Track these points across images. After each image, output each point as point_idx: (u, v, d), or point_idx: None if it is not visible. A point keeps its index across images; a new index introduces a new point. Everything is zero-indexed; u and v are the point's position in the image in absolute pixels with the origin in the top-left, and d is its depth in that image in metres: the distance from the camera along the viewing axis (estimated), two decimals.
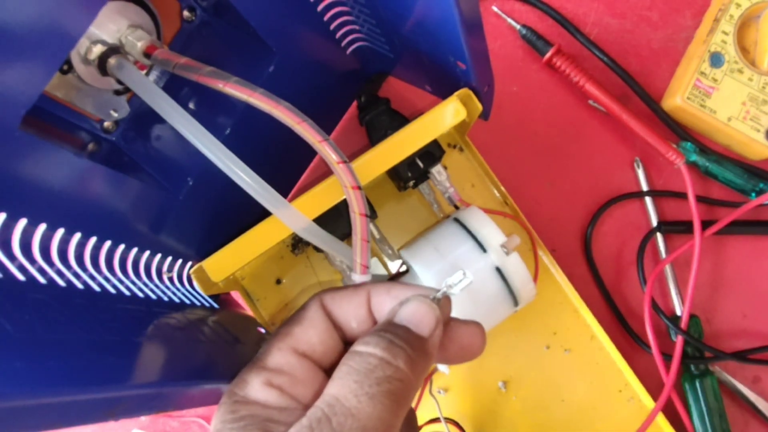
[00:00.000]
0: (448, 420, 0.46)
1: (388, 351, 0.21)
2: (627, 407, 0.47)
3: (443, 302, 0.25)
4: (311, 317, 0.25)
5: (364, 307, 0.25)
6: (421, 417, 0.46)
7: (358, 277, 0.33)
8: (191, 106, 0.37)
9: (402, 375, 0.21)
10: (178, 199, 0.36)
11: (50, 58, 0.24)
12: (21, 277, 0.24)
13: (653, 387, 0.46)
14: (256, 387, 0.23)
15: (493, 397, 0.47)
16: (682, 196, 0.50)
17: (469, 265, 0.40)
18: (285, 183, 0.49)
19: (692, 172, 0.50)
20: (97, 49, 0.31)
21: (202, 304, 0.39)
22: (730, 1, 0.49)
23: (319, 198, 0.38)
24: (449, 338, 0.25)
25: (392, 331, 0.22)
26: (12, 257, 0.25)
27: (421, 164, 0.45)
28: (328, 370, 0.24)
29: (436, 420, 0.46)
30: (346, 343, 0.26)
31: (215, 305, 0.41)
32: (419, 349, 0.22)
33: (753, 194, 0.50)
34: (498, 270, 0.40)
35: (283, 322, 0.26)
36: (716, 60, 0.49)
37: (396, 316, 0.23)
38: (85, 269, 0.29)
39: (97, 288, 0.29)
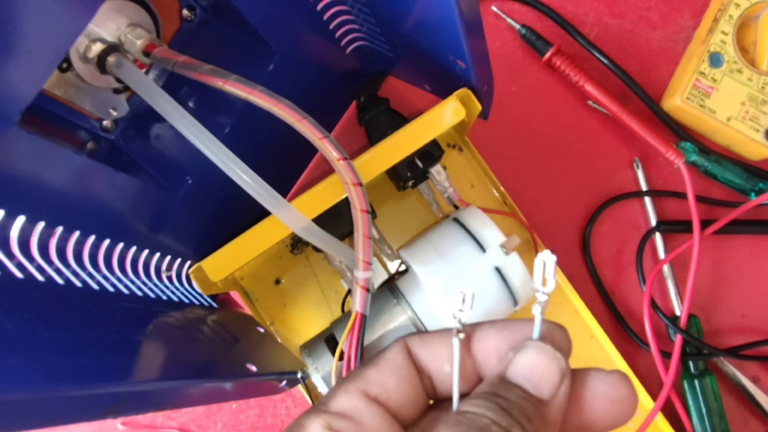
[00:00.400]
0: None
1: (497, 415, 0.17)
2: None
3: (563, 341, 0.20)
4: (390, 359, 0.21)
5: (463, 347, 0.21)
6: None
7: (360, 274, 0.33)
8: (190, 104, 0.37)
9: None
10: (177, 198, 0.36)
11: (49, 56, 0.24)
12: (19, 275, 0.24)
13: (653, 387, 0.46)
14: None
15: None
16: (682, 195, 0.50)
17: (469, 265, 0.40)
18: (284, 182, 0.49)
19: (692, 171, 0.50)
20: (97, 48, 0.31)
21: (201, 304, 0.39)
22: (730, 1, 0.49)
23: (319, 198, 0.37)
24: (579, 396, 0.19)
25: (504, 395, 0.18)
26: (10, 255, 0.25)
27: (420, 164, 0.45)
28: (406, 427, 0.20)
29: None
30: (435, 400, 0.22)
31: (214, 305, 0.41)
32: (539, 418, 0.18)
33: (752, 194, 0.50)
34: (497, 270, 0.39)
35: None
36: (715, 60, 0.49)
37: (509, 369, 0.19)
38: (83, 267, 0.29)
39: (95, 286, 0.29)
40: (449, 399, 0.20)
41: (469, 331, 0.21)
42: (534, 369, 0.19)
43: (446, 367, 0.21)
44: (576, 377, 0.20)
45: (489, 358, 0.21)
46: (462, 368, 0.20)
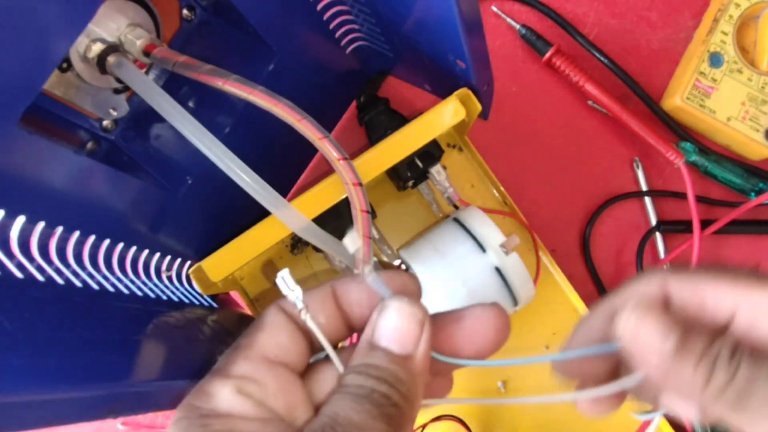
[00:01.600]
0: (454, 417, 0.46)
1: (374, 383, 0.20)
2: (626, 407, 0.47)
3: (411, 284, 0.23)
4: (272, 321, 0.23)
5: (330, 301, 0.23)
6: (427, 414, 0.46)
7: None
8: (191, 104, 0.37)
9: (395, 401, 0.20)
10: (177, 198, 0.36)
11: (49, 56, 0.24)
12: (19, 275, 0.24)
13: None
14: (225, 398, 0.20)
15: (493, 398, 0.47)
16: (682, 195, 0.50)
17: (469, 265, 0.40)
18: (284, 182, 0.49)
19: (692, 172, 0.50)
20: (97, 48, 0.31)
21: (201, 304, 0.39)
22: (730, 1, 0.49)
23: (319, 197, 0.37)
24: (450, 334, 0.23)
25: (375, 363, 0.21)
26: (10, 255, 0.25)
27: (420, 164, 0.45)
28: (299, 377, 0.23)
29: (439, 418, 0.46)
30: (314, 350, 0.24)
31: (214, 305, 0.41)
32: (409, 374, 0.21)
33: (752, 194, 0.50)
34: (497, 270, 0.39)
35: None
36: (715, 60, 0.49)
37: (375, 332, 0.22)
38: (83, 267, 0.29)
39: (95, 286, 0.29)
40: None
41: (334, 287, 0.24)
42: (396, 330, 0.21)
43: (320, 318, 0.23)
44: (456, 315, 0.23)
45: (353, 309, 0.24)
46: (334, 320, 0.23)
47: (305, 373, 0.23)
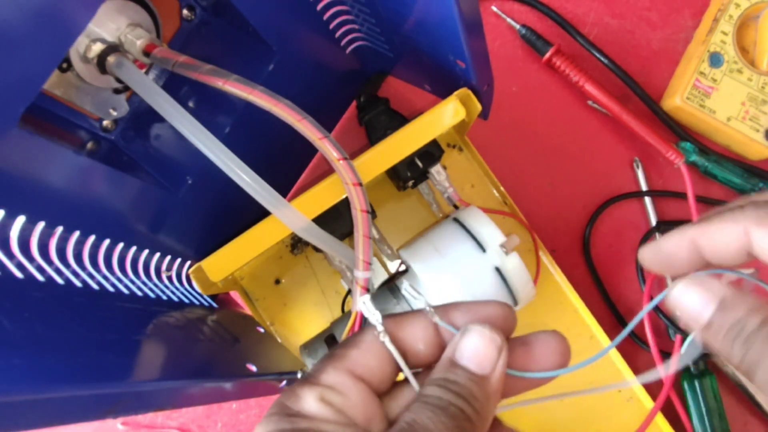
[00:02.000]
0: None
1: (452, 397, 0.22)
2: (626, 407, 0.47)
3: (508, 316, 0.25)
4: (370, 341, 0.24)
5: (431, 328, 0.25)
6: None
7: (360, 274, 0.33)
8: (190, 104, 0.37)
9: (469, 415, 0.22)
10: (177, 198, 0.36)
11: (49, 56, 0.24)
12: (19, 275, 0.24)
13: (653, 387, 0.46)
14: (310, 402, 0.22)
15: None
16: (682, 196, 0.50)
17: (469, 265, 0.40)
18: (284, 182, 0.49)
19: (692, 172, 0.50)
20: (97, 48, 0.31)
21: (201, 304, 0.39)
22: (730, 1, 0.49)
23: (319, 197, 0.37)
24: (518, 357, 0.24)
25: (454, 379, 0.23)
26: (10, 255, 0.25)
27: (420, 164, 0.45)
28: (381, 399, 0.24)
29: None
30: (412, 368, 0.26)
31: (214, 305, 0.41)
32: (483, 393, 0.22)
33: (752, 194, 0.50)
34: (497, 270, 0.39)
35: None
36: (715, 60, 0.49)
37: (456, 352, 0.23)
38: (83, 267, 0.29)
39: (95, 286, 0.29)
40: (418, 371, 0.25)
41: (438, 312, 0.25)
42: (476, 351, 0.23)
43: (419, 345, 0.24)
44: (523, 340, 0.25)
45: (449, 335, 0.25)
46: (431, 347, 0.25)
47: (390, 392, 0.25)
